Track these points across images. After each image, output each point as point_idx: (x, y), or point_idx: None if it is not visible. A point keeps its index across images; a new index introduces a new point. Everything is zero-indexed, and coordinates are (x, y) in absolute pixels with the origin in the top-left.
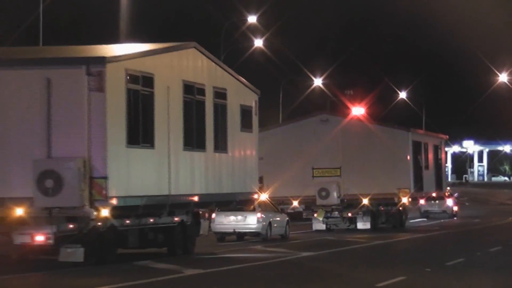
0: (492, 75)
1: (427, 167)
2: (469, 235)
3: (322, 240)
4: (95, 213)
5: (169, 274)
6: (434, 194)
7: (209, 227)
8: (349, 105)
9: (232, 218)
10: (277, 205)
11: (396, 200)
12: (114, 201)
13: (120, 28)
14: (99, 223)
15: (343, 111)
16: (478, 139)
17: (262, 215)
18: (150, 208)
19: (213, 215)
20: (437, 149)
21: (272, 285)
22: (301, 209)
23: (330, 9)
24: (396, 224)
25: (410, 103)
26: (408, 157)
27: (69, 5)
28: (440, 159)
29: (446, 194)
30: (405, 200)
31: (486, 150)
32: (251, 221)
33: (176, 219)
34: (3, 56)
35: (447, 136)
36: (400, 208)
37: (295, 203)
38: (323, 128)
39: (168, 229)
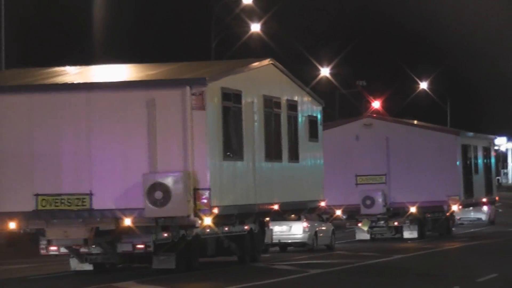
0: None
1: (476, 171)
2: (502, 246)
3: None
4: (199, 221)
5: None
6: (484, 200)
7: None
8: (365, 97)
9: (277, 228)
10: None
11: (445, 208)
12: (216, 210)
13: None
14: (189, 232)
15: (366, 107)
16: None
17: (308, 225)
18: (241, 217)
19: None
20: (486, 151)
21: None
22: (342, 218)
23: None
24: (443, 231)
25: (432, 95)
26: (458, 162)
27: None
28: (490, 162)
29: (483, 200)
30: (455, 207)
31: None
32: (297, 231)
33: (246, 227)
34: (110, 80)
35: (496, 137)
36: (447, 214)
37: (338, 212)
38: (366, 132)
39: (239, 237)
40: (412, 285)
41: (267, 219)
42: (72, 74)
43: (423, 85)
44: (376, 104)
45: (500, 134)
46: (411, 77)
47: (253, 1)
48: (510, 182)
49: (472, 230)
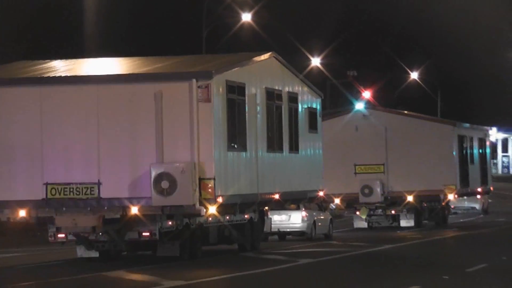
0: None
1: (472, 161)
2: (494, 236)
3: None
4: (204, 210)
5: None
6: (479, 189)
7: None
8: (356, 87)
9: (276, 217)
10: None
11: (442, 197)
12: (220, 199)
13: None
14: (193, 220)
15: (354, 95)
16: (502, 126)
17: (307, 214)
18: (243, 206)
19: None
20: (481, 142)
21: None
22: (331, 208)
23: None
24: (439, 221)
25: (423, 85)
26: (454, 152)
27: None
28: (485, 152)
29: (478, 189)
30: (451, 196)
31: (511, 138)
32: (295, 220)
33: (246, 216)
34: (118, 72)
35: (491, 128)
36: (443, 204)
37: (337, 201)
38: (365, 123)
39: (239, 226)
40: (401, 275)
41: (266, 208)
42: (80, 66)
43: (414, 75)
44: (367, 94)
45: (490, 125)
46: (402, 68)
47: None
48: (499, 172)
49: (466, 219)
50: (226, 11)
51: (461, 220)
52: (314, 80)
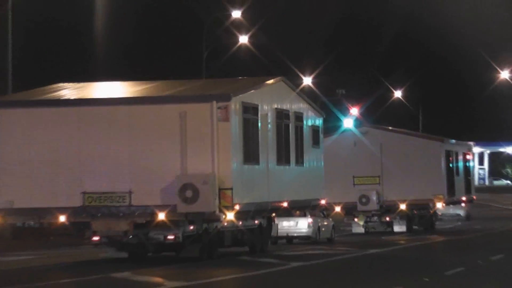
0: (493, 72)
1: (458, 173)
2: (470, 242)
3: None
4: (223, 216)
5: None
6: (464, 198)
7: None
8: (345, 104)
9: (285, 223)
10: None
11: (431, 205)
12: (237, 207)
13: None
14: (214, 225)
15: (343, 111)
16: (478, 141)
17: (312, 220)
18: (254, 213)
19: None
20: (465, 156)
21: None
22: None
23: (321, 4)
24: (428, 226)
25: (406, 103)
26: (442, 165)
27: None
28: (469, 165)
29: (463, 198)
30: (439, 205)
31: (487, 152)
32: (302, 226)
33: (256, 222)
34: (148, 95)
35: (474, 143)
36: (431, 212)
37: (337, 209)
38: (362, 139)
39: (250, 230)
40: (386, 277)
41: (273, 215)
42: (110, 89)
43: (398, 93)
44: (355, 111)
45: (468, 140)
46: (387, 87)
47: (241, 15)
48: (476, 183)
49: (451, 226)
50: (224, 33)
51: (446, 226)
52: (309, 97)
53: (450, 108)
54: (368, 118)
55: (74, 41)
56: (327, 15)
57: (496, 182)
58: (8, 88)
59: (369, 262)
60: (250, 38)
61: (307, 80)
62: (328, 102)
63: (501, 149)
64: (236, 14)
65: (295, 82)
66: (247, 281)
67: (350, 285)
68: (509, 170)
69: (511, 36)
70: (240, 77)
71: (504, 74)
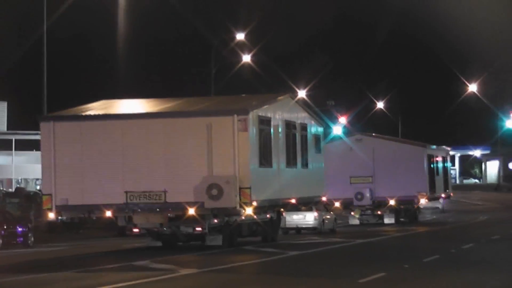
0: (462, 85)
1: (437, 173)
2: (443, 233)
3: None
4: (243, 211)
5: (274, 255)
6: (443, 195)
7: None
8: (334, 114)
9: (295, 216)
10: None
11: (415, 201)
12: (255, 203)
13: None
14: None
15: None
16: (450, 145)
17: (318, 214)
18: (268, 208)
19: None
20: (444, 159)
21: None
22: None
23: (310, 21)
24: (412, 219)
25: (387, 112)
26: (424, 167)
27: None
28: (447, 167)
29: (442, 195)
30: (423, 201)
31: (458, 155)
32: (309, 219)
33: (268, 215)
34: (178, 109)
35: (451, 148)
36: (415, 206)
37: (337, 204)
38: (358, 145)
39: (263, 223)
40: (370, 264)
41: (282, 209)
42: (149, 104)
43: (380, 104)
44: (343, 120)
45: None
46: (370, 98)
47: (245, 37)
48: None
49: (429, 218)
50: (230, 53)
51: (427, 218)
52: None
53: (428, 116)
54: (355, 126)
55: (98, 61)
56: (317, 33)
57: (466, 181)
58: (44, 106)
59: (359, 250)
60: (252, 56)
61: (302, 93)
62: (319, 112)
63: (470, 152)
64: (240, 36)
65: (291, 94)
66: (262, 266)
67: (337, 271)
68: (477, 170)
69: (475, 52)
70: (248, 94)
71: (472, 87)
